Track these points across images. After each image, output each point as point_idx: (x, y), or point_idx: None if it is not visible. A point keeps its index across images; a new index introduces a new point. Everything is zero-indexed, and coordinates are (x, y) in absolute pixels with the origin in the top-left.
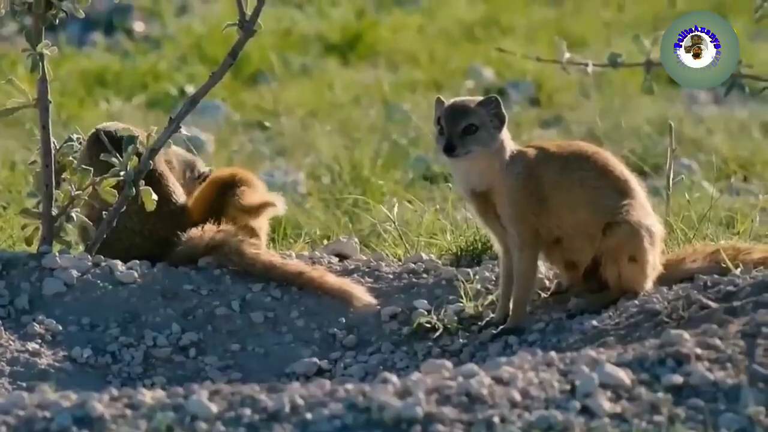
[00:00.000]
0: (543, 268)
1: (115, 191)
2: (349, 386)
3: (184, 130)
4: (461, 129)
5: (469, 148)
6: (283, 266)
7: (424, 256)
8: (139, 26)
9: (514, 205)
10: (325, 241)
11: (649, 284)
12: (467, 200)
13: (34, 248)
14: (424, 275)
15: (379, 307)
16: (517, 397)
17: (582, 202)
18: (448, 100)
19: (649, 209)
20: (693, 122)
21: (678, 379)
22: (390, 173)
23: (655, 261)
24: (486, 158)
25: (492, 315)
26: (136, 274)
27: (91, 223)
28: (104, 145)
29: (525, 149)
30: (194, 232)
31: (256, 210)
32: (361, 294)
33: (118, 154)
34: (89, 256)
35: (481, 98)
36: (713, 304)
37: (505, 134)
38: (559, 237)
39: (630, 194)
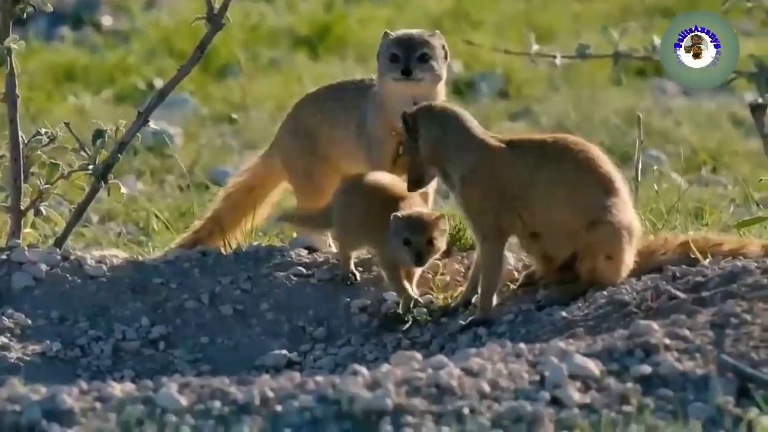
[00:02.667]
0: (512, 260)
1: (84, 185)
2: (319, 378)
3: (152, 124)
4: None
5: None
6: None
7: None
8: (107, 20)
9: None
10: (295, 234)
11: (619, 280)
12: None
13: (2, 242)
14: None
15: (348, 299)
16: (487, 388)
17: (563, 201)
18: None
19: (630, 206)
20: (661, 114)
21: (647, 369)
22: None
23: (630, 260)
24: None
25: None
26: (105, 268)
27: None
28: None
29: (496, 143)
30: None
31: None
32: None
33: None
34: (58, 250)
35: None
36: (682, 295)
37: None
38: (536, 232)
39: (615, 192)
